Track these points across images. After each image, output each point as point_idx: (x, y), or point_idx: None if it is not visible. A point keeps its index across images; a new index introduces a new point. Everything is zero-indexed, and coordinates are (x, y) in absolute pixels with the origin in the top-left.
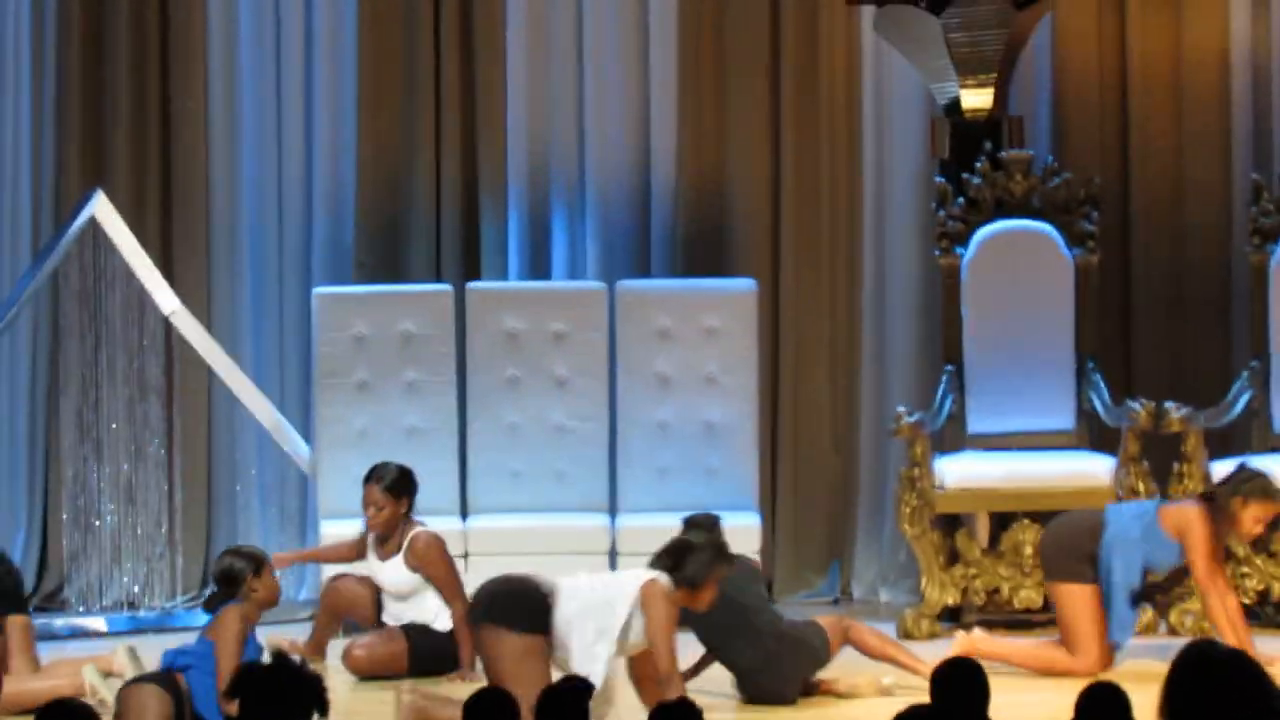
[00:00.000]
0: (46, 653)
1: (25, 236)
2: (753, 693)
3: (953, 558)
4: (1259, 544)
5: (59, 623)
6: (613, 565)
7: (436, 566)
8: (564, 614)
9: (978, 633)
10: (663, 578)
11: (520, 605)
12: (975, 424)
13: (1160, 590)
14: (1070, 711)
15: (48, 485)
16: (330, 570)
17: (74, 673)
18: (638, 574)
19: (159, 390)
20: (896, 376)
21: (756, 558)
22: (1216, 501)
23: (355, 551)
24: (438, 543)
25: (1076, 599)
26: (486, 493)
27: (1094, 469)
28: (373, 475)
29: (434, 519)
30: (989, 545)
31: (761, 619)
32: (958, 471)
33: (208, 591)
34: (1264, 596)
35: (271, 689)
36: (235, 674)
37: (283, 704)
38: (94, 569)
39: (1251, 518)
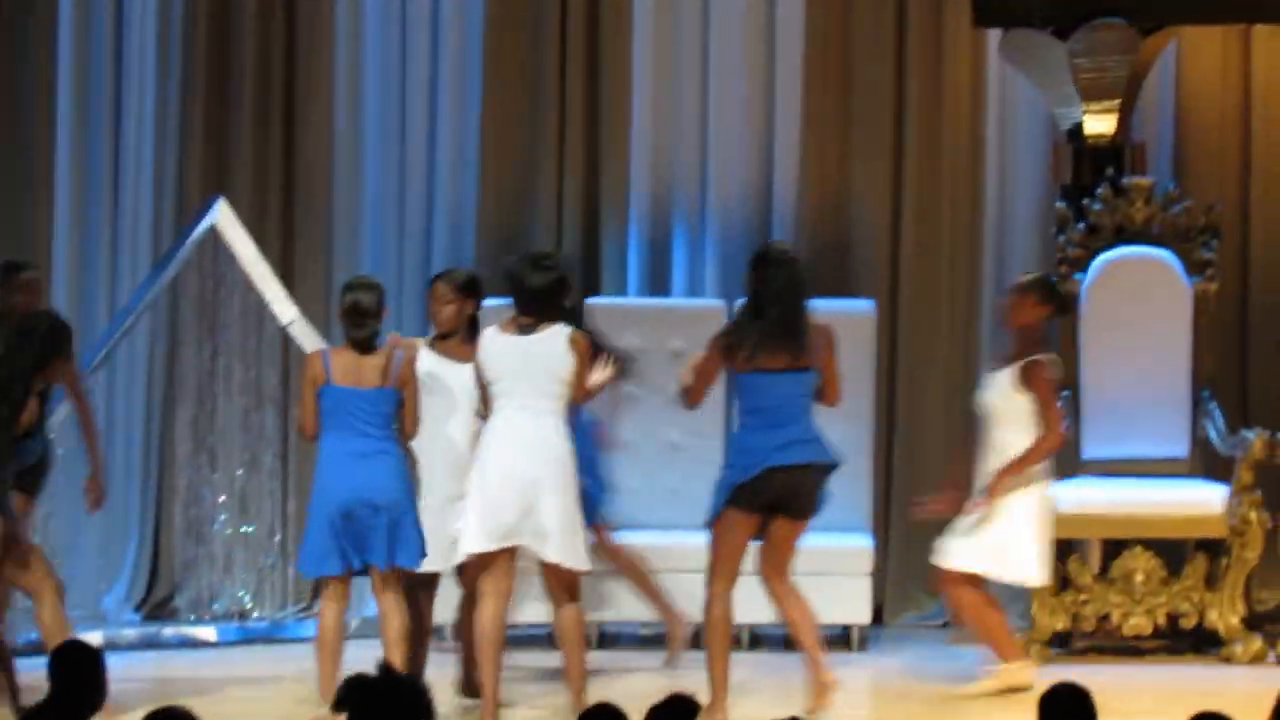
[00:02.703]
0: (155, 662)
1: (145, 243)
2: None
3: (1064, 583)
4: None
5: (168, 631)
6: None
7: None
8: None
9: None
10: None
11: None
12: (1090, 449)
13: (1272, 619)
14: None
15: (161, 493)
16: None
17: None
18: None
19: (275, 400)
20: None
21: (868, 579)
22: None
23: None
24: None
25: None
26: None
27: (1207, 498)
28: (443, 275)
29: None
30: (1100, 571)
31: None
32: (1071, 497)
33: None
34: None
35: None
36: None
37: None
38: (205, 578)
39: None
